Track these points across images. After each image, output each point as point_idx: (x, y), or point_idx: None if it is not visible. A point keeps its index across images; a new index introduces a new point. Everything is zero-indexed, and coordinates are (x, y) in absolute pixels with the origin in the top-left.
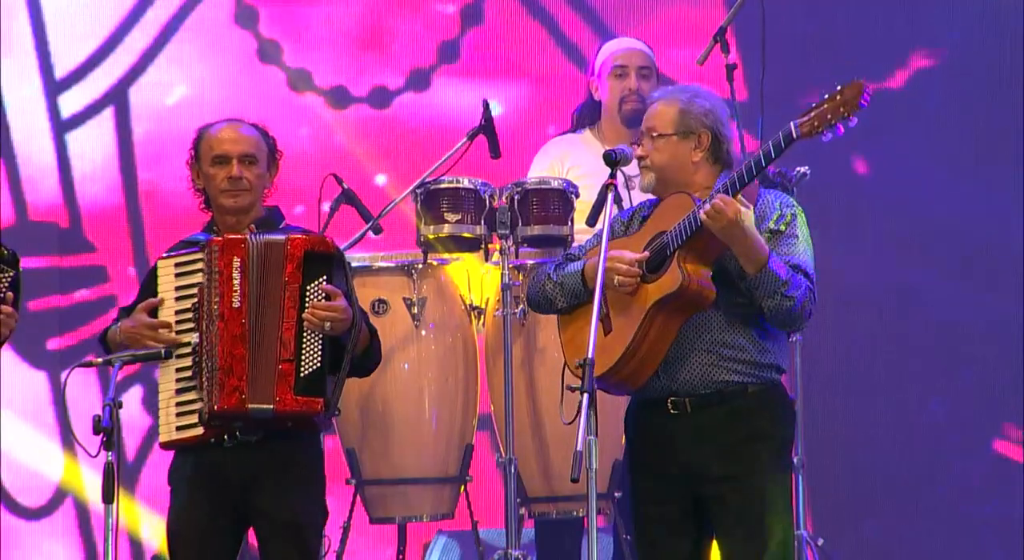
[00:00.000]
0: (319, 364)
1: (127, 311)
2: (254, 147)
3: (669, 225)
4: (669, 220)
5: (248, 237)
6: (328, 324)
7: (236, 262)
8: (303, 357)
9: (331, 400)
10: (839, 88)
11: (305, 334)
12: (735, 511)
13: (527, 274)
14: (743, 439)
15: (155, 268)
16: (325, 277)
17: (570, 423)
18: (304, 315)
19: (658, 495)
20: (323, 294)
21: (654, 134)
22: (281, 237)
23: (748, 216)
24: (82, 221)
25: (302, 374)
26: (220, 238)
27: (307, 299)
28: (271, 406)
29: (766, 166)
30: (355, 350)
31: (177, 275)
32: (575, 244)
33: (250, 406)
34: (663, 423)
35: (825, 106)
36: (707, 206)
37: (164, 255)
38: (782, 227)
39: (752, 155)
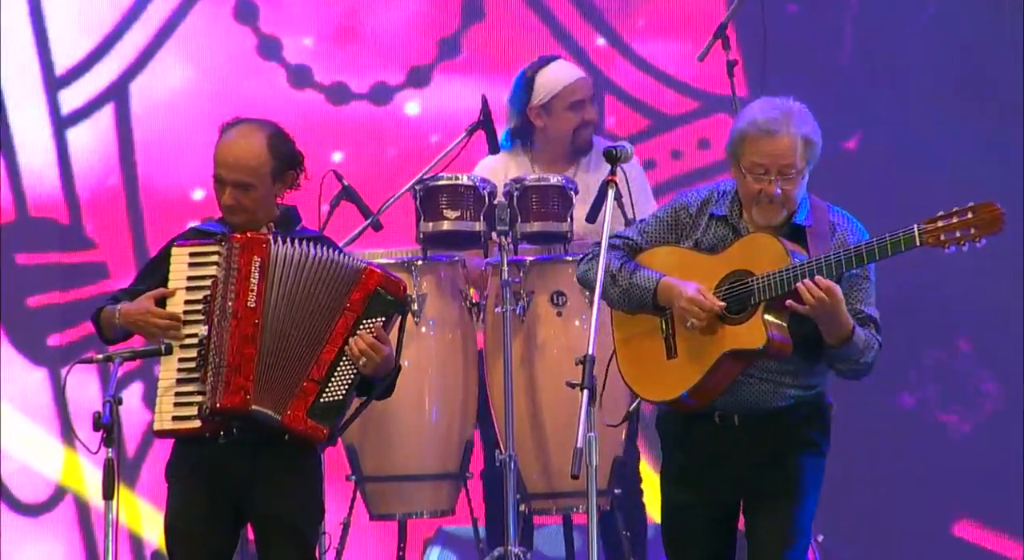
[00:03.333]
0: (341, 396)
1: (128, 293)
2: (251, 174)
3: (755, 267)
4: (756, 263)
5: (269, 237)
6: (364, 360)
7: (256, 261)
8: (330, 384)
9: (336, 433)
10: (972, 206)
11: (342, 363)
12: (773, 515)
13: (527, 271)
14: (790, 446)
15: (167, 253)
16: (384, 319)
17: (616, 426)
18: (351, 339)
19: (695, 500)
20: (374, 334)
21: (790, 172)
22: (361, 263)
23: (843, 300)
24: (82, 217)
25: (321, 400)
26: (241, 235)
27: (356, 332)
28: (279, 416)
29: (879, 259)
30: (376, 395)
31: (191, 265)
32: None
33: (253, 407)
34: (707, 433)
35: (955, 220)
36: (811, 290)
37: (178, 242)
38: (861, 270)
39: (865, 244)
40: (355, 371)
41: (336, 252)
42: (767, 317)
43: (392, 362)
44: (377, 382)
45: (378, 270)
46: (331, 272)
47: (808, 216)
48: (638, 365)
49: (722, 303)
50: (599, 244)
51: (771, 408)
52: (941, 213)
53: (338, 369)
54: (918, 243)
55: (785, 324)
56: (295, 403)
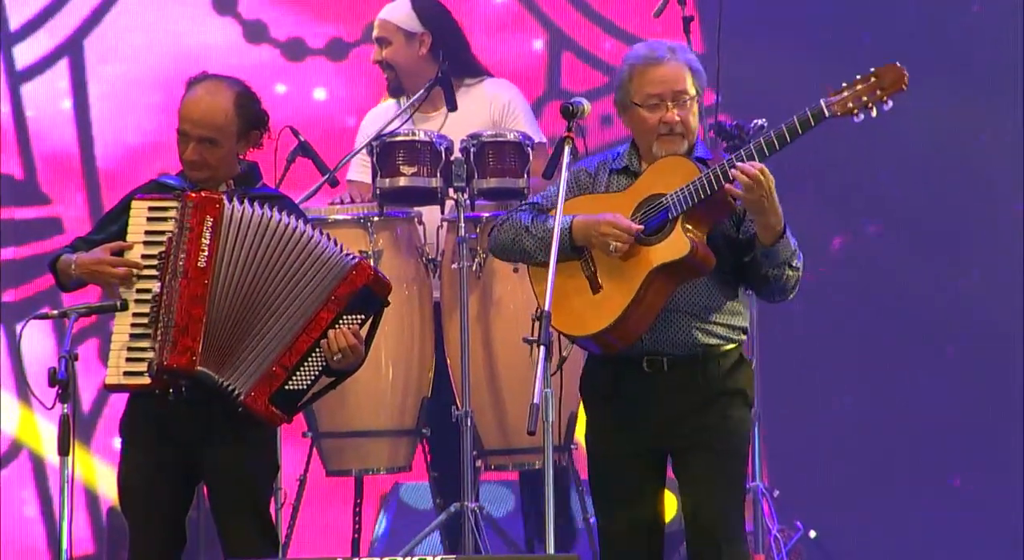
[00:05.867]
0: (306, 386)
1: (85, 242)
2: (215, 130)
3: (667, 188)
4: (667, 183)
5: (223, 197)
6: (338, 356)
7: (208, 221)
8: (297, 373)
9: (290, 419)
10: (875, 70)
11: (314, 354)
12: (704, 459)
13: (483, 226)
14: (717, 394)
15: (127, 205)
16: (363, 317)
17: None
18: (329, 335)
19: (625, 452)
20: (352, 332)
21: (684, 97)
22: (352, 258)
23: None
24: (37, 173)
25: (286, 387)
26: (196, 194)
27: (336, 326)
28: (241, 394)
29: (790, 141)
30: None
31: (149, 219)
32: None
33: (199, 369)
34: (636, 381)
35: (859, 87)
36: (744, 171)
37: (138, 195)
38: None
39: (774, 129)
40: (323, 364)
41: (304, 223)
42: (687, 226)
43: (362, 359)
44: (339, 378)
45: (369, 267)
46: (304, 247)
47: (706, 151)
48: (565, 307)
49: (640, 226)
50: (503, 215)
51: (698, 346)
52: (845, 83)
53: (309, 359)
54: (827, 115)
55: (704, 237)
56: (260, 385)
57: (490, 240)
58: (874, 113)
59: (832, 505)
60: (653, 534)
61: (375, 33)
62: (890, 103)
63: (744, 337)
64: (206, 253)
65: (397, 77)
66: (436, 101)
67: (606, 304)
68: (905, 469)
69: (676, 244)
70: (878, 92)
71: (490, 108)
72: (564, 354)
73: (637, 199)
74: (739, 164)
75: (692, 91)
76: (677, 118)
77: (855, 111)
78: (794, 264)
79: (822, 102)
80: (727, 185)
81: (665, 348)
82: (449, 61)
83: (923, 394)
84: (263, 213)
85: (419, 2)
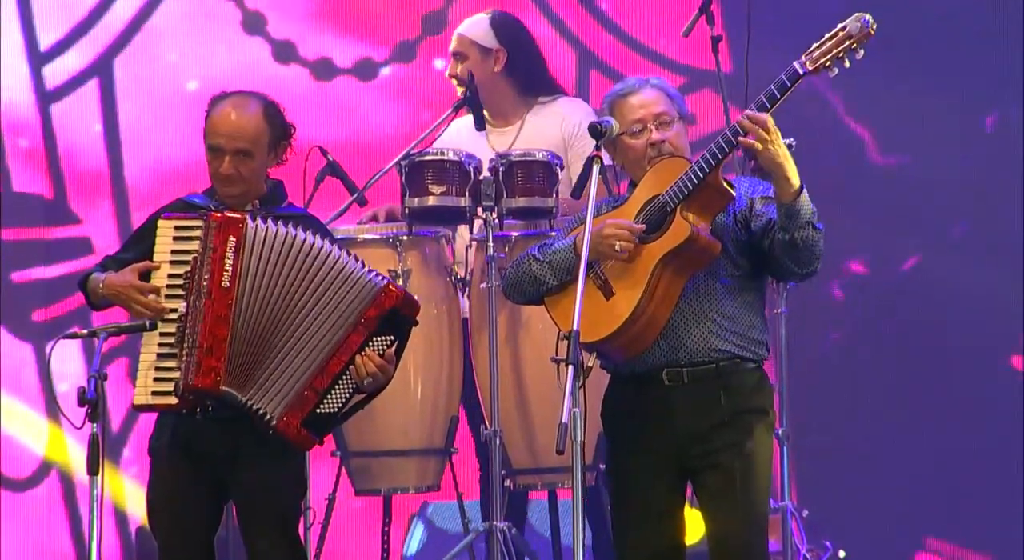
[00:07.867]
0: (336, 409)
1: (114, 261)
2: (250, 141)
3: (662, 189)
4: (662, 183)
5: (246, 217)
6: (369, 380)
7: (231, 241)
8: (329, 396)
9: (321, 442)
10: (843, 23)
11: (345, 376)
12: (726, 479)
13: (512, 246)
14: (739, 412)
15: (154, 224)
16: (393, 338)
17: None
18: (358, 358)
19: (646, 472)
20: (383, 354)
21: (666, 118)
22: (381, 280)
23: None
24: (67, 193)
25: (318, 411)
26: (219, 214)
27: (365, 348)
28: (272, 419)
29: (772, 107)
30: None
31: (175, 238)
32: (559, 216)
33: (223, 389)
34: (657, 399)
35: (828, 43)
36: (751, 119)
37: (165, 214)
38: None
39: (756, 101)
40: (354, 385)
41: (329, 242)
42: (686, 215)
43: (391, 379)
44: (367, 398)
45: (397, 288)
46: (332, 267)
47: None
48: (582, 318)
49: (641, 225)
50: (509, 266)
51: (716, 352)
52: (815, 43)
53: (340, 381)
54: (801, 73)
55: (707, 226)
56: (292, 410)
57: (503, 284)
58: (846, 64)
59: (861, 525)
60: (674, 554)
61: (452, 47)
62: (861, 52)
63: (765, 354)
64: (229, 273)
65: (466, 90)
66: (509, 116)
67: (619, 305)
68: (935, 489)
69: (677, 230)
70: (848, 42)
71: (561, 127)
72: (588, 365)
73: (637, 206)
74: (746, 113)
75: (672, 113)
76: (663, 137)
77: (828, 65)
78: (816, 224)
79: (795, 64)
80: (743, 138)
81: (683, 356)
82: (524, 79)
83: (954, 413)
84: (287, 232)
85: (497, 19)
